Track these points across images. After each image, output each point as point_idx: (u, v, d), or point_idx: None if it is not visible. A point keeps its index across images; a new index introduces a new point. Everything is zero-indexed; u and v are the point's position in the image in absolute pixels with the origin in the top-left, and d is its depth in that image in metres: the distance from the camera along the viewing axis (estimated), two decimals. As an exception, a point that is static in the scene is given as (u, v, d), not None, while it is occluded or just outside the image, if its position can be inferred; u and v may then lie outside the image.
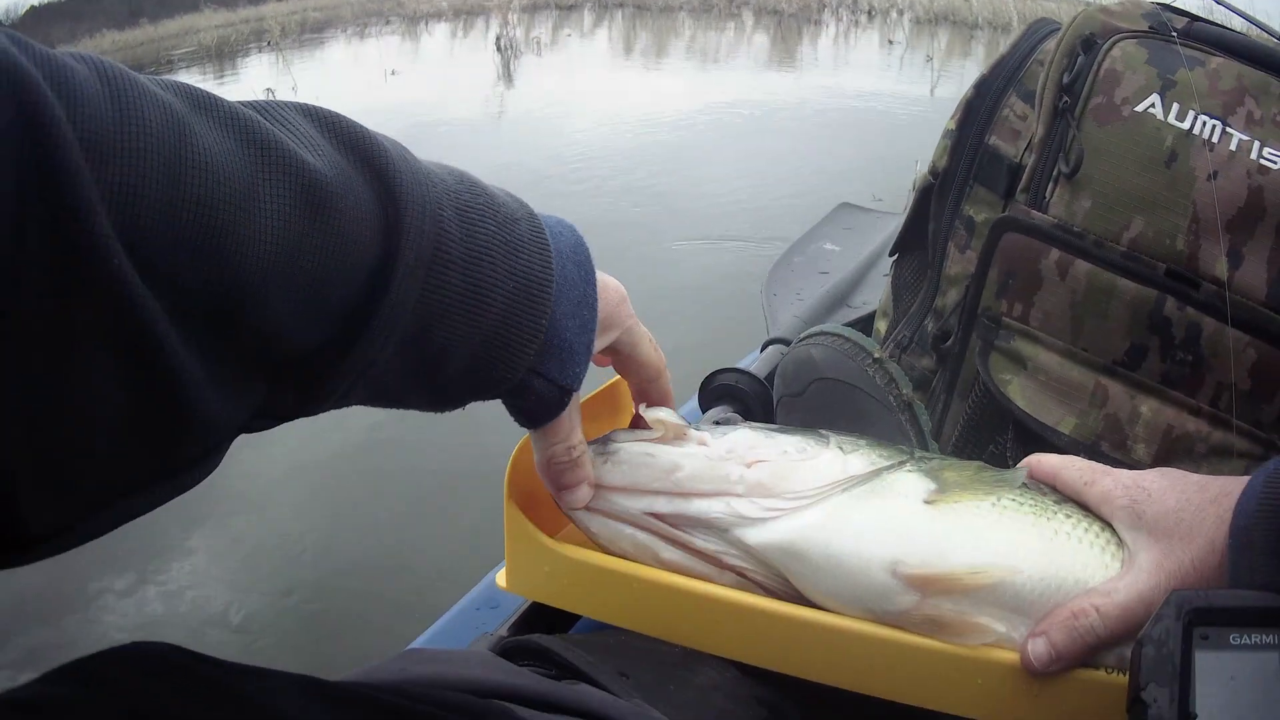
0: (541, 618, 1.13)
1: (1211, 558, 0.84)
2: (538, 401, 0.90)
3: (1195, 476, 0.91)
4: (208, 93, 0.64)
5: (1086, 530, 0.95)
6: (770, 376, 1.61)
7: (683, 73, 15.11)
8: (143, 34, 20.32)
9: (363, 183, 0.71)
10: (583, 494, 0.98)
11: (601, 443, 1.02)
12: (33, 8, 20.75)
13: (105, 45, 19.34)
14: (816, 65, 15.87)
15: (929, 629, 0.91)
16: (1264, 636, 0.78)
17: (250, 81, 14.25)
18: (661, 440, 1.01)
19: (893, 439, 1.33)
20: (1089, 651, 0.88)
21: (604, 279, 0.94)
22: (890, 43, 18.07)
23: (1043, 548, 0.94)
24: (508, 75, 14.83)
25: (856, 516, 0.95)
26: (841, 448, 1.01)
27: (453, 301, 0.78)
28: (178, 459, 0.64)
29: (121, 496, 0.61)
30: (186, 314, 0.59)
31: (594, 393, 1.17)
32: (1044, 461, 1.02)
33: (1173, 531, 0.87)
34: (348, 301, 0.71)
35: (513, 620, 1.14)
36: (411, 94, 12.78)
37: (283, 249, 0.64)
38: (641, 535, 1.00)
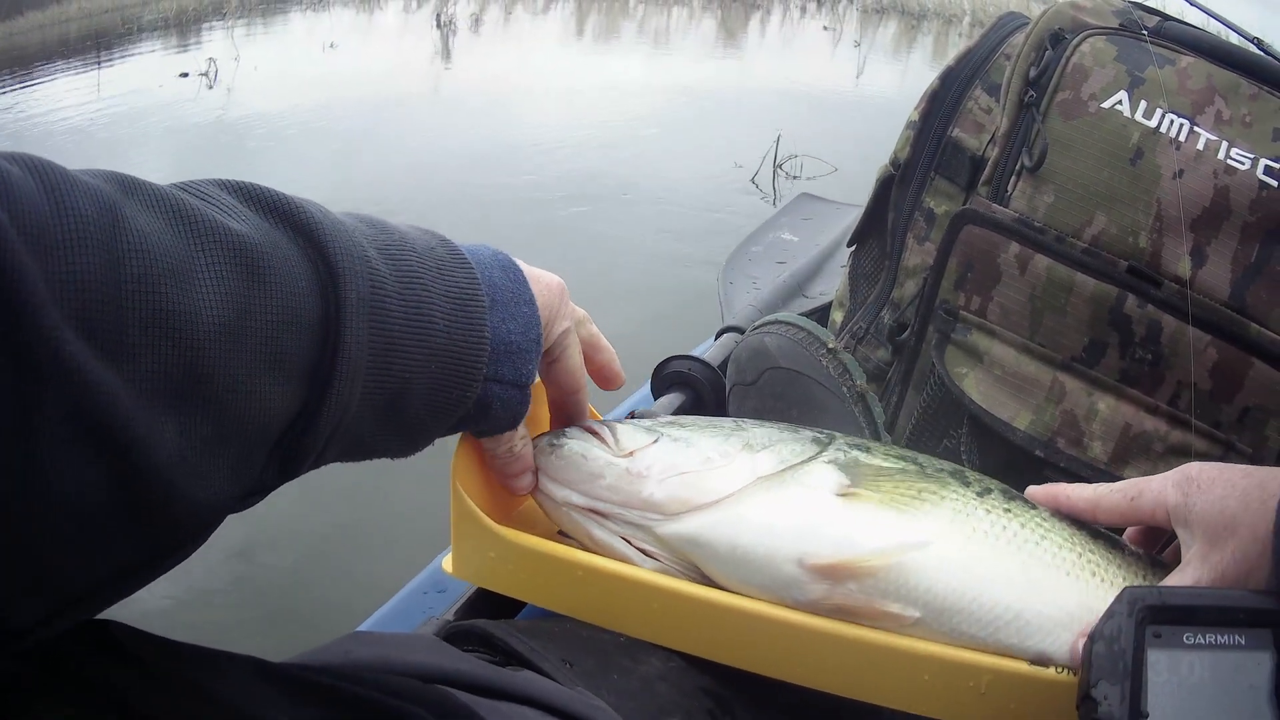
0: (488, 603, 1.12)
1: (1254, 547, 0.82)
2: (502, 408, 0.92)
3: (1241, 468, 0.89)
4: (134, 177, 0.67)
5: (1005, 527, 0.96)
6: (724, 364, 1.60)
7: (633, 55, 15.19)
8: (110, 0, 20.15)
9: (288, 240, 0.74)
10: (525, 482, 1.02)
11: (555, 435, 1.03)
12: None
13: (72, 11, 19.17)
14: (759, 50, 16.16)
15: (841, 617, 0.92)
16: (1218, 636, 0.77)
17: (203, 50, 13.98)
18: (603, 447, 1.02)
19: (845, 429, 1.32)
20: None
21: (540, 274, 0.96)
22: (826, 29, 18.33)
23: (954, 535, 0.94)
24: (446, 53, 14.87)
25: (764, 510, 0.96)
26: (752, 445, 1.01)
27: (400, 331, 0.80)
28: (162, 545, 0.65)
29: (102, 586, 0.62)
30: (154, 394, 0.60)
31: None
32: (1074, 496, 1.00)
33: (1218, 523, 0.85)
34: (305, 356, 0.72)
35: (459, 605, 1.13)
36: (348, 67, 12.81)
37: (229, 315, 0.66)
38: (576, 514, 1.01)
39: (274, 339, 0.69)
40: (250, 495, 0.73)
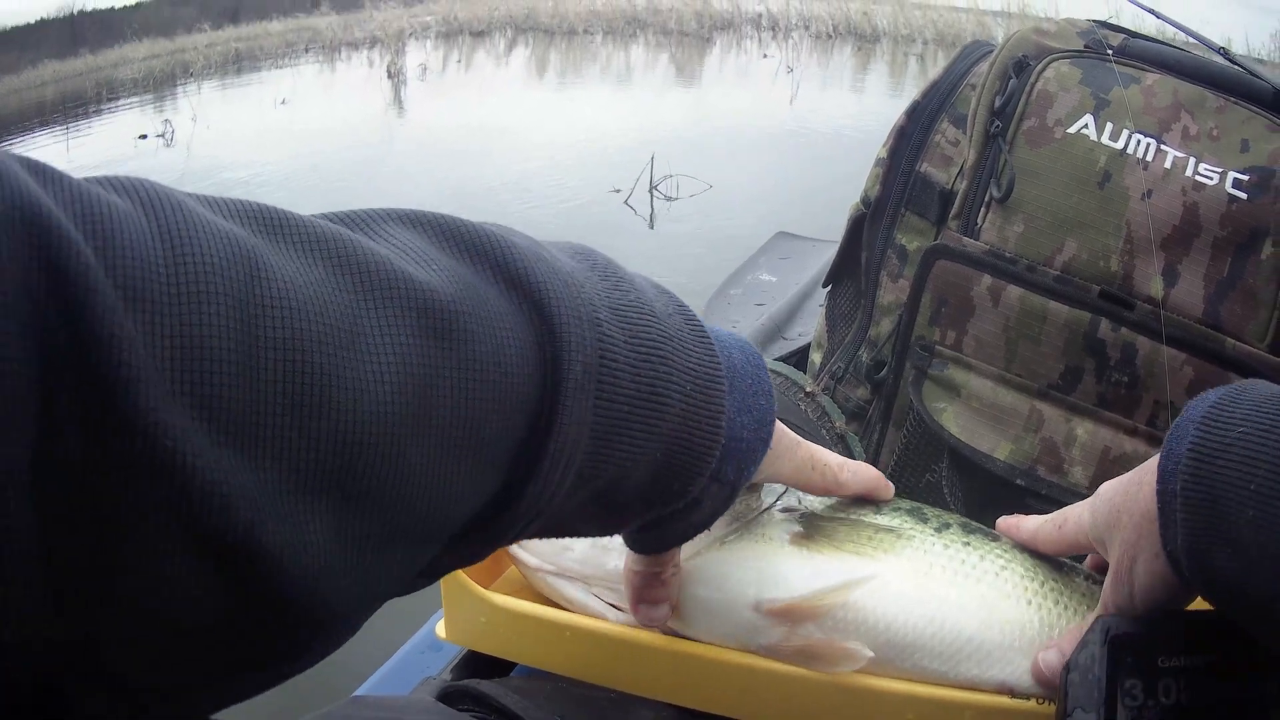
0: (482, 659, 1.13)
1: (1131, 534, 0.81)
2: (710, 513, 0.81)
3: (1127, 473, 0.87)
4: (283, 212, 0.54)
5: (964, 561, 0.96)
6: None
7: (587, 97, 15.54)
8: (83, 64, 20.40)
9: (496, 293, 0.60)
10: (661, 613, 0.94)
11: None
12: None
13: (46, 75, 19.45)
14: (699, 84, 16.51)
15: (803, 660, 0.92)
16: (1191, 658, 0.77)
17: (163, 112, 14.70)
18: None
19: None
20: None
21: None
22: (765, 57, 18.64)
23: (910, 571, 0.95)
24: (399, 102, 15.28)
25: (722, 563, 0.97)
26: None
27: (627, 412, 0.68)
28: (291, 657, 0.53)
29: (198, 698, 0.52)
30: (300, 490, 0.49)
31: None
32: (1017, 529, 0.99)
33: (1109, 523, 0.85)
34: (508, 438, 0.60)
35: (454, 663, 1.15)
36: (300, 122, 13.08)
37: (408, 391, 0.53)
38: (550, 579, 1.04)
39: (470, 420, 0.57)
40: (421, 577, 0.62)
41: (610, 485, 0.70)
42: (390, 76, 17.13)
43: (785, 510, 1.00)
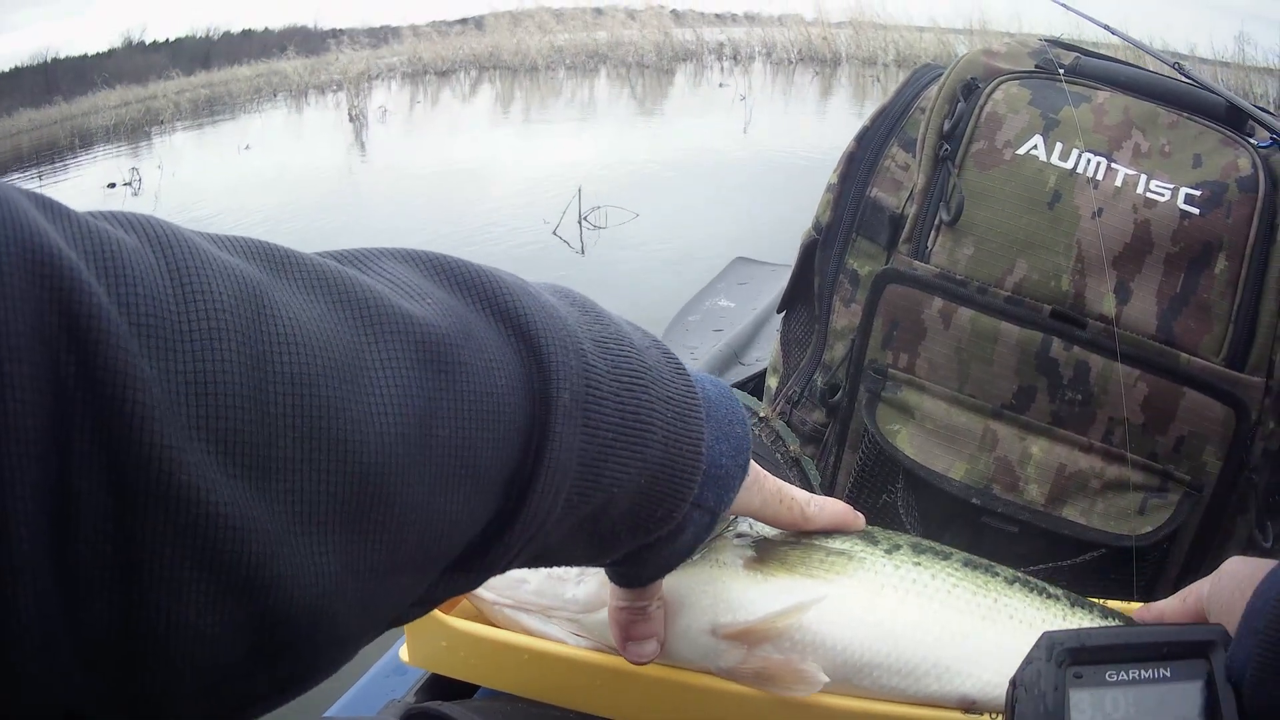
0: (445, 682, 1.15)
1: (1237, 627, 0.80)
2: (693, 539, 0.82)
3: (1260, 561, 0.85)
4: (286, 250, 0.56)
5: (914, 580, 0.97)
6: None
7: (546, 132, 15.79)
8: (57, 112, 20.51)
9: (486, 325, 0.63)
10: (650, 649, 0.93)
11: None
12: None
13: (22, 123, 19.56)
14: (662, 115, 16.81)
15: (761, 682, 0.93)
16: (1141, 671, 0.77)
17: (138, 158, 15.12)
18: None
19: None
20: None
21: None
22: (721, 85, 19.07)
23: (862, 591, 0.96)
24: (360, 144, 15.52)
25: (678, 589, 0.97)
26: None
27: (613, 438, 0.70)
28: (295, 681, 0.55)
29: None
30: (310, 521, 0.50)
31: None
32: (1146, 613, 0.96)
33: (1223, 609, 0.84)
34: (502, 465, 0.62)
35: (419, 686, 1.18)
36: (262, 167, 13.53)
37: (410, 421, 0.55)
38: (509, 611, 1.04)
39: (466, 448, 0.59)
40: (417, 605, 0.64)
41: (598, 511, 0.72)
42: (351, 119, 17.44)
43: (739, 535, 1.01)
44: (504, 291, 0.64)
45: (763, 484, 0.91)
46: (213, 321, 0.47)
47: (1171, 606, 0.94)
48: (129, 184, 12.39)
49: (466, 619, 1.06)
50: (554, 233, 8.26)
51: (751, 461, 0.87)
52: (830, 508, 0.99)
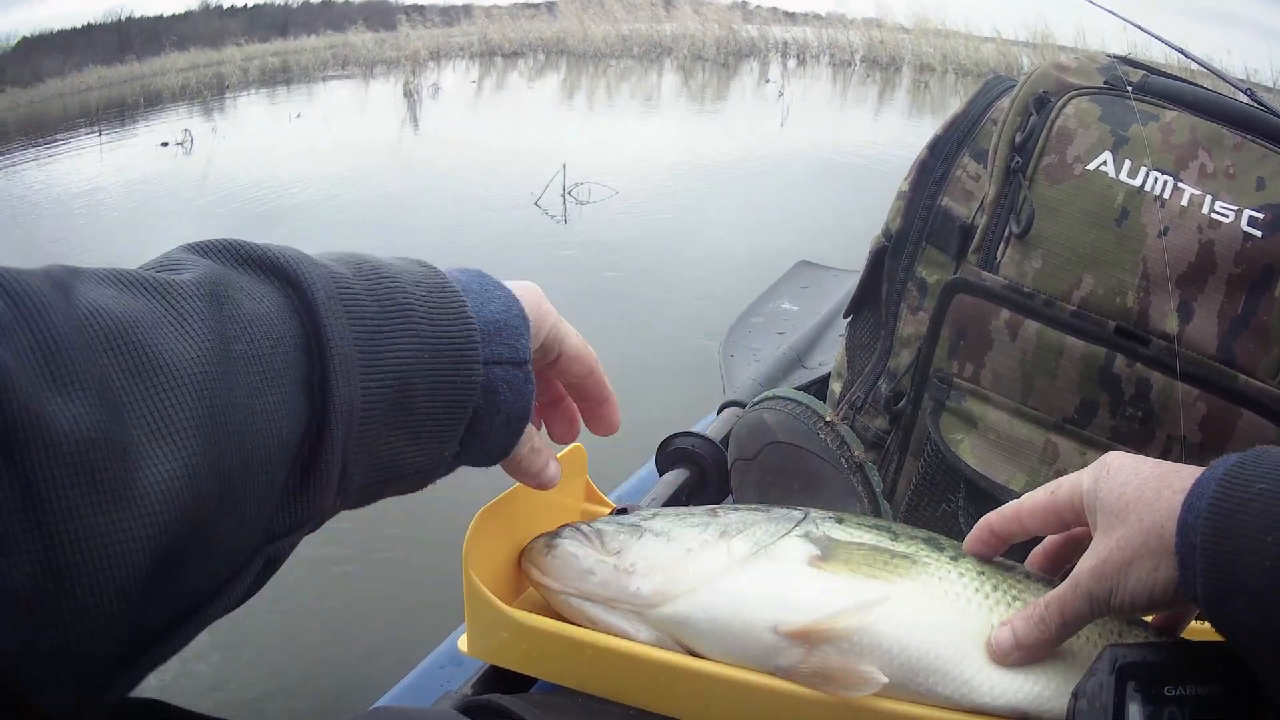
0: (503, 676, 1.15)
1: (1137, 537, 0.83)
2: (509, 390, 0.89)
3: (1154, 460, 0.89)
4: (74, 267, 0.66)
5: (978, 589, 0.98)
6: (726, 439, 1.61)
7: (614, 118, 16.09)
8: (127, 70, 20.63)
9: (238, 272, 0.74)
10: (553, 470, 1.00)
11: (550, 536, 1.08)
12: (24, 39, 20.86)
13: (91, 80, 19.76)
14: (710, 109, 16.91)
15: (819, 681, 0.94)
16: (1197, 689, 0.79)
17: (206, 119, 15.88)
18: (592, 545, 1.07)
19: (845, 499, 1.34)
20: (1045, 637, 0.91)
21: (515, 283, 0.95)
22: (767, 82, 19.20)
23: (925, 597, 0.97)
24: (413, 120, 15.92)
25: (741, 586, 1.00)
26: (728, 532, 1.05)
27: (379, 321, 0.79)
28: (195, 594, 0.65)
29: (138, 654, 0.62)
30: (166, 432, 0.61)
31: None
32: (1000, 512, 1.01)
33: (1114, 508, 0.86)
34: (297, 367, 0.72)
35: (475, 679, 1.16)
36: (310, 136, 14.18)
37: (214, 345, 0.66)
38: (574, 600, 1.05)
39: (263, 357, 0.69)
40: (295, 530, 0.74)
41: (402, 399, 0.80)
42: (406, 95, 17.75)
43: (803, 535, 1.03)
44: (244, 244, 0.76)
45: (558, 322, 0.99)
46: (37, 302, 0.57)
47: (1036, 499, 0.98)
48: (181, 144, 12.99)
49: (529, 611, 1.07)
50: (535, 203, 9.12)
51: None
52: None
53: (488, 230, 8.59)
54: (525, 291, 0.94)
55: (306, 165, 11.41)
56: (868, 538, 1.03)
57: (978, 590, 0.98)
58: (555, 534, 1.08)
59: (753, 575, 1.00)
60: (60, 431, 0.54)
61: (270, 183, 10.55)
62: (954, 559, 1.01)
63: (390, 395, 0.79)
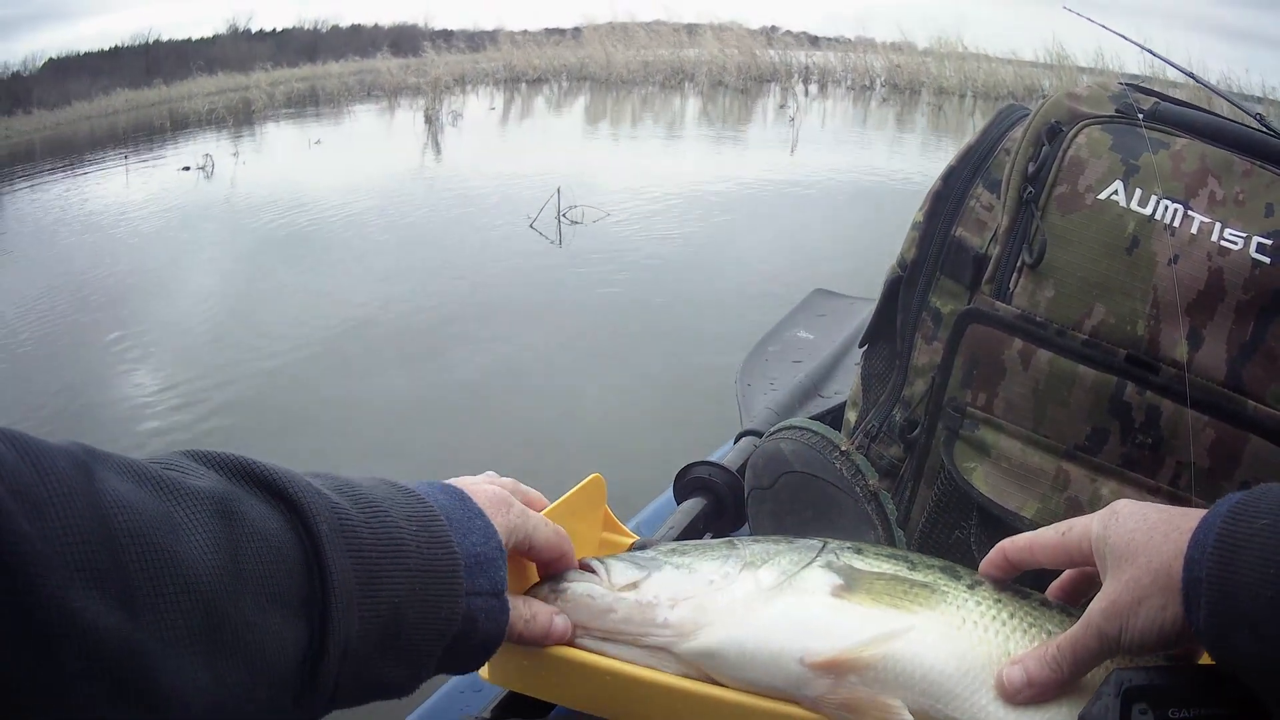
0: (522, 701, 1.17)
1: (1145, 577, 0.86)
2: (486, 619, 0.97)
3: (1160, 506, 0.94)
4: (94, 448, 0.70)
5: (995, 617, 1.00)
6: (743, 468, 1.63)
7: (638, 146, 16.52)
8: (155, 94, 20.70)
9: (247, 492, 0.79)
10: (559, 625, 1.06)
11: (555, 580, 1.10)
12: (51, 60, 20.98)
13: (119, 103, 19.83)
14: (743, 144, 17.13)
15: (846, 712, 0.95)
16: (1200, 710, 0.79)
17: (233, 144, 16.30)
18: (601, 583, 1.09)
19: (859, 527, 1.35)
20: (1057, 676, 0.92)
21: (477, 488, 1.03)
22: (782, 107, 19.63)
23: (944, 625, 0.99)
24: (434, 146, 16.31)
25: (766, 618, 1.02)
26: (752, 563, 1.07)
27: (376, 556, 0.85)
28: None
29: None
30: (179, 643, 0.64)
31: (570, 493, 1.26)
32: (1015, 541, 1.05)
33: (1122, 552, 0.89)
34: (299, 589, 0.78)
35: (494, 704, 1.19)
36: (328, 161, 14.66)
37: (224, 558, 0.70)
38: (592, 642, 1.07)
39: (268, 576, 0.74)
40: None
41: (389, 624, 0.86)
42: (427, 121, 18.09)
43: (825, 565, 1.04)
44: (254, 466, 0.81)
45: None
46: (64, 489, 0.59)
47: (1046, 535, 1.01)
48: (202, 168, 13.48)
49: None
50: (531, 225, 9.65)
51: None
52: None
53: (510, 258, 9.00)
54: (496, 502, 1.02)
55: (318, 193, 11.69)
56: (888, 567, 1.05)
57: (995, 618, 1.00)
58: (559, 577, 1.11)
59: (779, 605, 1.02)
60: (88, 628, 0.57)
61: (284, 202, 11.01)
62: (970, 587, 1.03)
63: (381, 625, 0.85)
